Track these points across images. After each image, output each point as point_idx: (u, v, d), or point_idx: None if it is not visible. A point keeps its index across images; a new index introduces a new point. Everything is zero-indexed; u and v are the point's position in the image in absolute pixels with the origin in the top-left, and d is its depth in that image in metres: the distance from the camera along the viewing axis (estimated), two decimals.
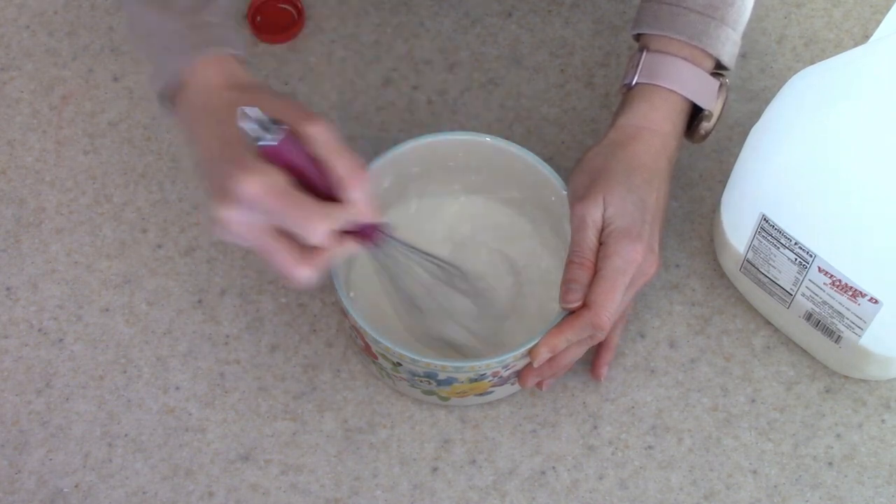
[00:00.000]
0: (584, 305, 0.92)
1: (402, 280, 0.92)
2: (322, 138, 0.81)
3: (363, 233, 0.84)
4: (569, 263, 0.93)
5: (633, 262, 0.92)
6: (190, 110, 0.87)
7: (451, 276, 0.94)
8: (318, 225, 0.80)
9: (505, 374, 0.94)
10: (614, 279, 0.92)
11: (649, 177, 0.94)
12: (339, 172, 0.81)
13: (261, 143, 0.79)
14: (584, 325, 0.92)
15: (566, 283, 0.92)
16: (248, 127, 0.79)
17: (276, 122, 0.80)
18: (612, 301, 0.92)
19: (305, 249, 0.81)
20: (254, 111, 0.79)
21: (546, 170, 0.98)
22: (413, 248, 0.90)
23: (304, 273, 0.82)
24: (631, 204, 0.93)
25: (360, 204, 0.82)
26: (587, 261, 0.92)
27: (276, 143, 0.79)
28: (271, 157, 0.80)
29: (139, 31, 0.91)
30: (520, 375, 0.95)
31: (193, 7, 0.89)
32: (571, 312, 0.93)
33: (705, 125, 0.98)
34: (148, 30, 0.90)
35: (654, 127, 0.96)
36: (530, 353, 0.92)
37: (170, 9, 0.89)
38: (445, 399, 0.97)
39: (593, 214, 0.93)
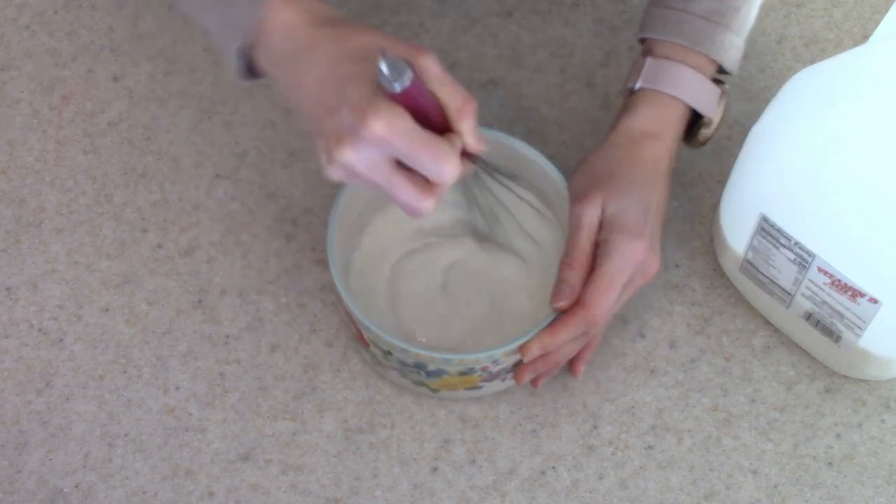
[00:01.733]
0: (579, 303, 0.92)
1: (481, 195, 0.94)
2: (432, 71, 0.81)
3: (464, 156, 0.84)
4: (561, 264, 0.93)
5: (633, 260, 0.92)
6: (279, 56, 0.84)
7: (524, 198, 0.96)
8: (449, 163, 0.80)
9: (494, 369, 0.94)
10: (611, 277, 0.92)
11: (651, 178, 0.95)
12: (450, 105, 0.81)
13: (392, 84, 0.79)
14: (577, 324, 0.92)
15: (556, 285, 0.93)
16: (383, 70, 0.78)
17: (403, 63, 0.79)
18: (606, 299, 0.92)
19: (425, 181, 0.81)
20: (386, 53, 0.78)
21: (548, 167, 0.98)
22: (497, 171, 0.91)
23: (429, 205, 0.82)
24: (633, 203, 0.93)
25: (469, 135, 0.82)
26: (576, 261, 0.93)
27: (408, 85, 0.79)
28: (398, 98, 0.79)
29: None
30: (515, 372, 0.96)
31: None
32: (563, 312, 0.93)
33: (704, 132, 0.99)
34: None
35: (655, 131, 0.96)
36: (521, 349, 0.92)
37: None
38: (435, 391, 0.97)
39: (589, 216, 0.93)
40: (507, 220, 0.98)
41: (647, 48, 0.99)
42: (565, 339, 0.93)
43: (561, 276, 0.93)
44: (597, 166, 0.95)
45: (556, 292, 0.93)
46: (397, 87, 0.78)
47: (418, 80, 0.80)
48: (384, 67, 0.78)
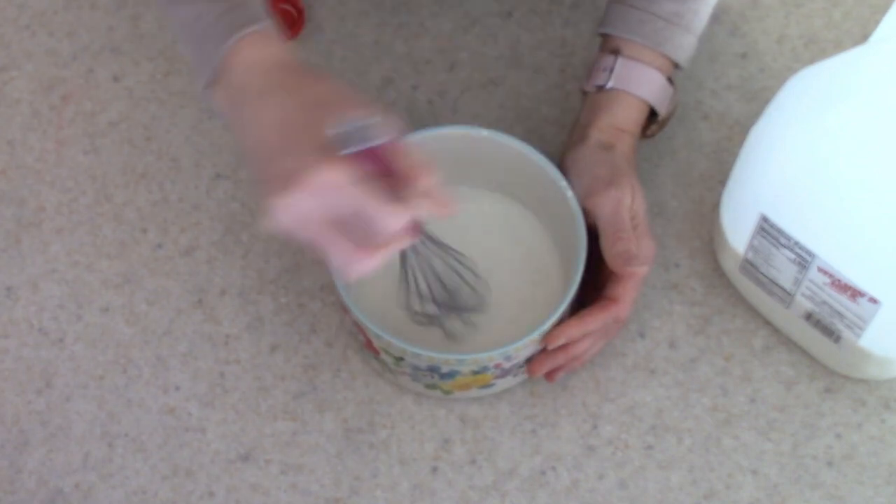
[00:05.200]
0: (610, 298, 0.94)
1: (420, 269, 0.93)
2: (398, 139, 0.81)
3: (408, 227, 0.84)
4: (617, 240, 0.94)
5: (650, 257, 0.95)
6: (237, 92, 0.86)
7: (464, 275, 0.95)
8: (398, 215, 0.79)
9: (507, 365, 0.94)
10: (640, 275, 0.95)
11: (632, 172, 0.98)
12: (408, 170, 0.80)
13: (348, 145, 0.78)
14: (605, 317, 0.94)
15: (623, 253, 0.94)
16: (340, 132, 0.78)
17: (365, 124, 0.79)
18: (634, 296, 0.95)
19: (362, 242, 0.81)
20: (351, 115, 0.78)
21: (543, 161, 0.98)
22: (441, 244, 0.91)
23: (366, 265, 0.81)
24: (640, 200, 0.96)
25: (431, 194, 0.81)
26: (630, 233, 0.95)
27: (366, 149, 0.79)
28: (350, 157, 0.79)
29: (178, 26, 0.90)
30: (531, 364, 0.96)
31: None
32: (593, 302, 0.95)
33: (653, 127, 1.04)
34: (186, 22, 0.89)
35: (628, 129, 1.00)
36: (546, 337, 0.93)
37: None
38: (448, 392, 0.97)
39: (626, 200, 0.95)
40: (445, 295, 0.96)
41: (612, 46, 1.01)
42: (591, 330, 0.95)
43: (625, 247, 0.94)
44: (599, 161, 0.98)
45: (630, 258, 0.94)
46: (353, 149, 0.78)
47: (377, 147, 0.79)
48: (343, 128, 0.78)
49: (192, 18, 0.89)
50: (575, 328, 0.94)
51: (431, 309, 0.96)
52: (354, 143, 0.78)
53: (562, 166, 0.99)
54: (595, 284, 0.96)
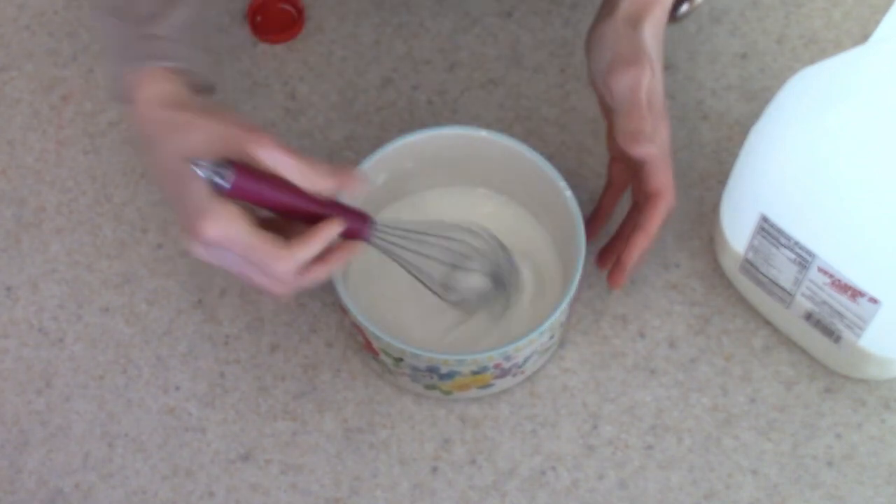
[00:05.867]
0: (653, 195, 0.94)
1: (410, 259, 0.93)
2: (273, 159, 0.84)
3: (353, 232, 0.87)
4: (631, 118, 0.92)
5: (665, 139, 0.93)
6: (134, 124, 0.89)
7: (450, 244, 0.96)
8: (281, 267, 0.84)
9: (506, 365, 0.94)
10: (667, 157, 0.94)
11: (658, 49, 0.95)
12: (302, 184, 0.84)
13: (218, 185, 0.82)
14: (663, 214, 0.94)
15: (634, 131, 0.92)
16: (202, 173, 0.82)
17: (224, 164, 0.82)
18: (671, 178, 0.94)
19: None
20: (202, 162, 0.82)
21: (541, 162, 0.98)
22: (406, 230, 0.92)
23: (286, 291, 0.87)
24: (659, 82, 0.94)
25: (342, 178, 0.85)
26: (647, 116, 0.93)
27: (228, 187, 0.82)
28: (234, 193, 0.83)
29: (100, 35, 0.94)
30: (612, 278, 0.97)
31: (147, 18, 0.90)
32: (638, 201, 0.95)
33: (684, 9, 0.99)
34: (105, 35, 0.92)
35: (657, 2, 0.96)
36: (623, 259, 0.95)
37: (125, 17, 0.90)
38: (448, 393, 0.97)
39: (645, 79, 0.93)
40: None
41: None
42: (655, 232, 0.95)
43: (636, 126, 0.92)
44: (623, 35, 0.95)
45: (638, 138, 0.92)
46: (226, 186, 0.82)
47: (244, 177, 0.82)
48: (202, 174, 0.81)
49: (110, 32, 0.91)
50: (644, 239, 0.94)
51: (457, 293, 0.96)
52: (224, 179, 0.82)
53: (587, 43, 0.97)
54: (633, 174, 0.96)
